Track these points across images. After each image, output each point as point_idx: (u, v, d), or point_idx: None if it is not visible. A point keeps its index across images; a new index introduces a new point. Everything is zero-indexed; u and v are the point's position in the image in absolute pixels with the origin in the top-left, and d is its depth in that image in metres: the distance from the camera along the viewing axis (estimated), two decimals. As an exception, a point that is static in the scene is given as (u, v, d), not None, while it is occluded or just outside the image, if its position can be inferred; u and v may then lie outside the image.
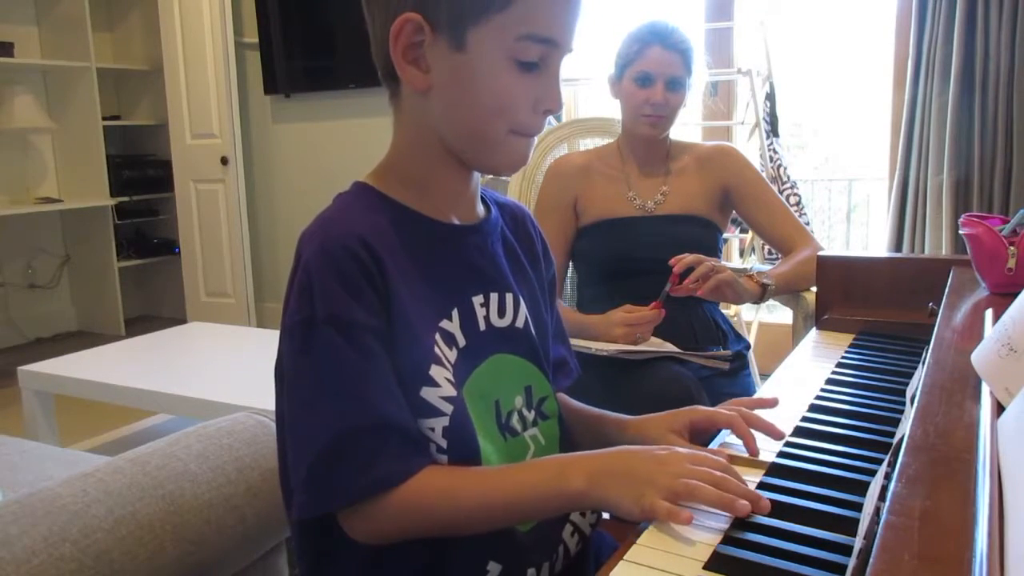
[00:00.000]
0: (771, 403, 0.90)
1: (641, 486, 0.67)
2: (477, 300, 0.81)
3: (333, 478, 0.69)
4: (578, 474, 0.70)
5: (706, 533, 0.65)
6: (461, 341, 0.78)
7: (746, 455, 0.81)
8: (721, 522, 0.66)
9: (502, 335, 0.82)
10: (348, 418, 0.69)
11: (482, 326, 0.80)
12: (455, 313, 0.78)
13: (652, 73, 1.59)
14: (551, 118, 3.52)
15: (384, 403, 0.70)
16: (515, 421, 0.82)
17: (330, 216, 0.76)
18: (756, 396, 0.92)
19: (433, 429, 0.74)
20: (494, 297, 0.82)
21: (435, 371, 0.74)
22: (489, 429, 0.79)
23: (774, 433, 0.82)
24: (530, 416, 0.85)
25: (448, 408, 0.75)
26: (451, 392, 0.75)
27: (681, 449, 0.73)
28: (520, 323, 0.84)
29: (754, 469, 0.77)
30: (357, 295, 0.71)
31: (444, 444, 0.74)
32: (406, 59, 0.74)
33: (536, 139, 0.81)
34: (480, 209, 0.86)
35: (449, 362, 0.76)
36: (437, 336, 0.76)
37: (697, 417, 0.86)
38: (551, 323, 0.93)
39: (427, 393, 0.74)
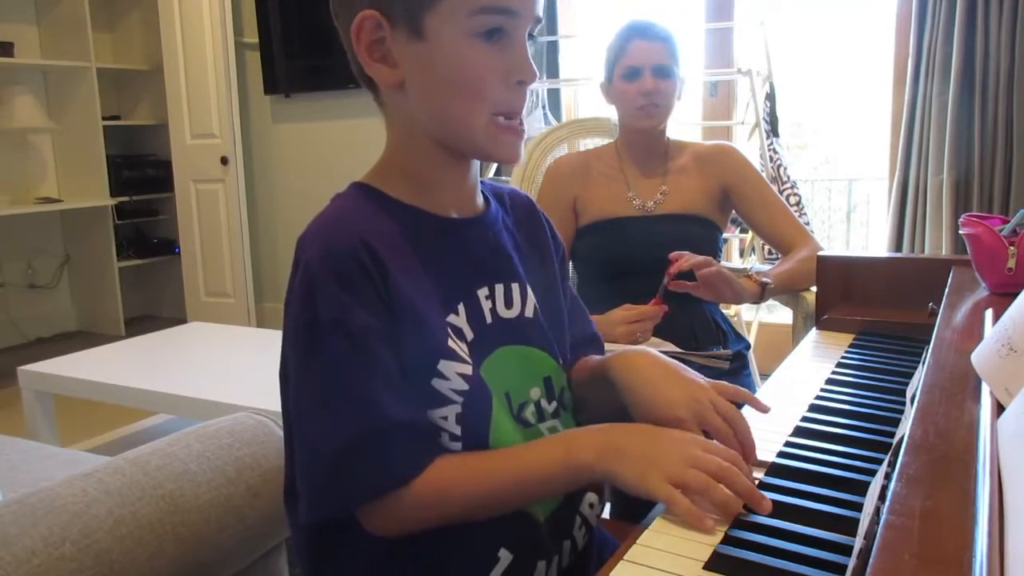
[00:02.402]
0: (764, 409, 0.84)
1: (647, 465, 0.68)
2: (482, 293, 0.81)
3: (344, 482, 0.70)
4: (586, 447, 0.71)
5: (706, 533, 0.65)
6: (469, 335, 0.78)
7: None
8: (722, 521, 0.66)
9: (510, 326, 0.82)
10: (356, 422, 0.69)
11: (488, 319, 0.80)
12: (461, 307, 0.78)
13: (638, 65, 1.62)
14: (551, 116, 3.49)
15: (391, 404, 0.70)
16: (529, 413, 0.82)
17: (330, 217, 0.76)
18: (754, 395, 0.85)
19: (446, 418, 0.75)
20: (499, 288, 0.82)
21: (444, 365, 0.75)
22: (502, 421, 0.79)
23: (761, 408, 0.82)
24: (550, 408, 0.85)
25: (459, 398, 0.75)
26: (463, 385, 0.75)
27: (691, 435, 0.73)
28: (529, 312, 0.84)
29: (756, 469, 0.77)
30: (360, 297, 0.71)
31: (458, 431, 0.75)
32: (372, 57, 0.75)
33: (525, 132, 0.80)
34: (480, 202, 0.86)
35: (462, 354, 0.77)
36: (448, 330, 0.76)
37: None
38: (567, 304, 0.92)
39: (438, 384, 0.74)
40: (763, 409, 0.84)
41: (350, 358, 0.70)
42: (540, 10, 0.76)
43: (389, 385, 0.71)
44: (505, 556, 0.77)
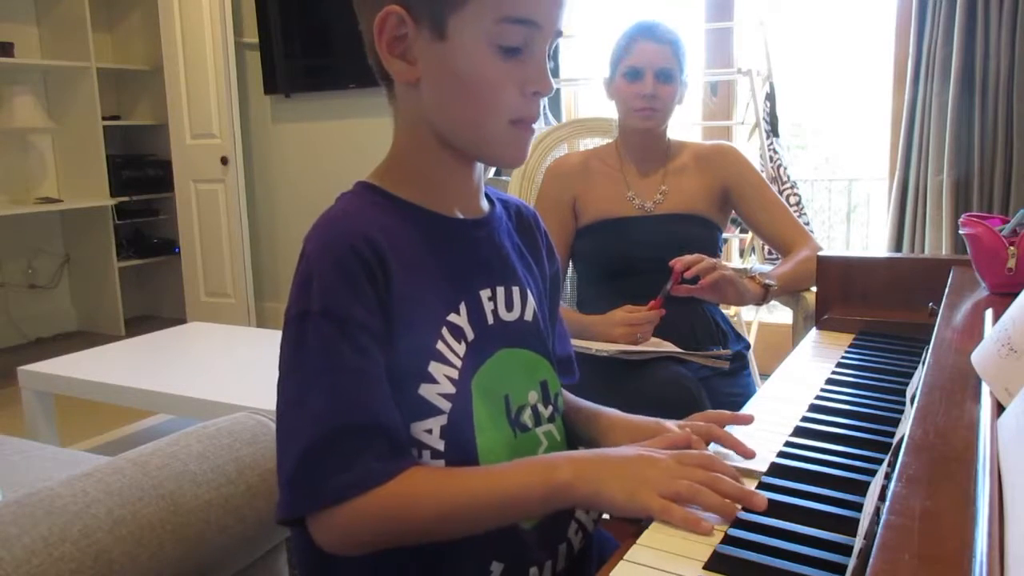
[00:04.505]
0: (747, 420, 0.87)
1: (635, 482, 0.68)
2: (484, 294, 0.80)
3: (314, 479, 0.68)
4: (566, 468, 0.70)
5: (705, 535, 0.64)
6: (470, 335, 0.78)
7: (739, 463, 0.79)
8: (720, 522, 0.66)
9: (510, 329, 0.82)
10: (334, 417, 0.68)
11: (490, 320, 0.80)
12: (462, 307, 0.78)
13: (640, 66, 1.61)
14: (551, 116, 3.48)
15: (372, 403, 0.69)
16: (526, 417, 0.82)
17: (334, 214, 0.76)
18: (733, 413, 0.87)
19: (430, 431, 0.74)
20: (501, 291, 0.82)
21: (434, 368, 0.74)
22: (499, 424, 0.79)
23: (746, 453, 0.79)
24: (546, 412, 0.85)
25: (447, 406, 0.74)
26: (450, 389, 0.75)
27: (668, 450, 0.73)
28: (529, 316, 0.84)
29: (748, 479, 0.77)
30: (357, 292, 0.70)
31: (441, 446, 0.74)
32: (392, 53, 0.75)
33: (534, 133, 0.80)
34: (484, 204, 0.86)
35: (458, 356, 0.76)
36: (444, 331, 0.76)
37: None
38: (553, 323, 0.93)
39: (425, 391, 0.74)
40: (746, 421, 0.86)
41: (338, 349, 0.69)
42: (561, 24, 0.76)
43: (374, 385, 0.70)
44: (497, 567, 0.76)
